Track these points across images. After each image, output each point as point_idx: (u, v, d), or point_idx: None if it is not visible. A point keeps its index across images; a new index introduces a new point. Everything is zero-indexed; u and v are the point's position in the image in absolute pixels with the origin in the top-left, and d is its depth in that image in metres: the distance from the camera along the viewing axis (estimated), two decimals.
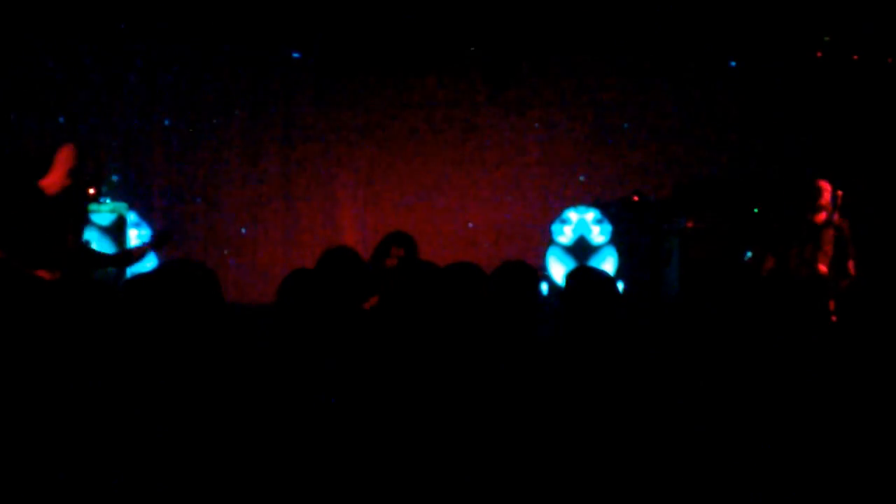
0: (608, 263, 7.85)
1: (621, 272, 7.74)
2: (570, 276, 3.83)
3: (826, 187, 5.52)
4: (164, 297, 2.71)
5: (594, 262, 7.56)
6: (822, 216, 5.48)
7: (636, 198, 7.36)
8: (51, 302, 4.38)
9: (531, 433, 2.47)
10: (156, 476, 2.18)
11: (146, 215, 7.35)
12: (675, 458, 2.51)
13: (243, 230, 7.63)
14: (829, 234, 5.47)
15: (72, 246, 4.64)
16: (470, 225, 7.96)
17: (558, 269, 7.89)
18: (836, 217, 5.46)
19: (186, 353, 2.58)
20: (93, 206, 6.80)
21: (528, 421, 2.50)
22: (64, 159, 4.58)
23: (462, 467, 2.34)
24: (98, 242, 6.38)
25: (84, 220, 4.87)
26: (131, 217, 7.28)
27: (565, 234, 7.99)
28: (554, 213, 7.95)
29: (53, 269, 4.47)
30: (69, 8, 6.84)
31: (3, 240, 4.37)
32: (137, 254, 5.07)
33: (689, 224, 6.57)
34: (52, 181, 4.57)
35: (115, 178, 7.25)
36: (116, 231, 6.84)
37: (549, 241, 7.96)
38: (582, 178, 8.01)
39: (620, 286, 7.48)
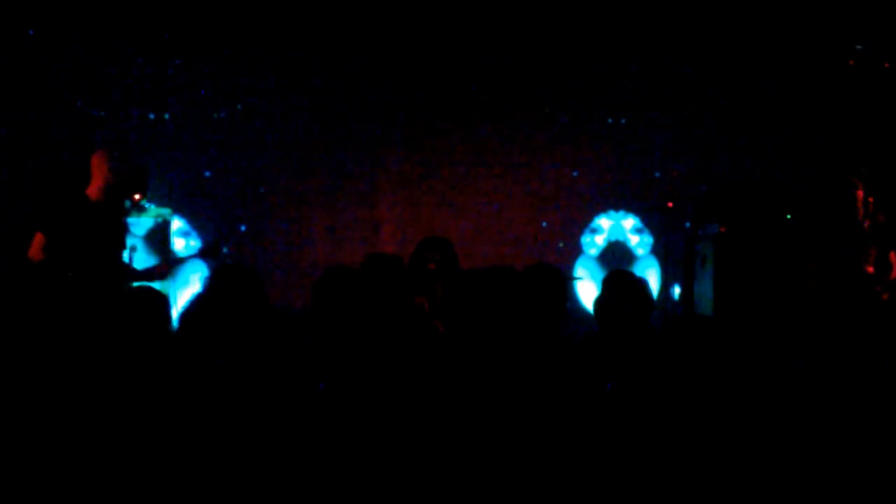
0: (651, 276, 7.58)
1: (663, 282, 7.59)
2: (606, 281, 3.89)
3: (858, 183, 5.46)
4: (213, 298, 2.82)
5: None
6: (860, 214, 5.39)
7: (671, 204, 7.32)
8: (95, 305, 4.49)
9: (551, 433, 2.49)
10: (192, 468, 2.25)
11: (193, 222, 7.46)
12: (687, 460, 2.53)
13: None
14: (869, 231, 5.37)
15: (117, 250, 4.77)
16: (544, 224, 7.83)
17: (589, 283, 7.43)
18: (872, 212, 5.38)
19: (231, 351, 2.67)
20: (133, 214, 6.91)
21: (550, 421, 2.52)
22: (98, 164, 4.72)
23: (487, 463, 2.37)
24: (141, 249, 6.43)
25: (125, 226, 5.00)
26: (181, 225, 7.39)
27: (597, 244, 7.72)
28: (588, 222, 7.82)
29: (100, 273, 4.59)
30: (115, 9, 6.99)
31: (57, 247, 4.51)
32: (159, 271, 5.05)
33: (722, 229, 6.54)
34: (95, 187, 4.70)
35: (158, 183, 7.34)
36: (160, 237, 6.91)
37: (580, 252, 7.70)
38: (657, 175, 7.83)
39: (676, 292, 7.35)
